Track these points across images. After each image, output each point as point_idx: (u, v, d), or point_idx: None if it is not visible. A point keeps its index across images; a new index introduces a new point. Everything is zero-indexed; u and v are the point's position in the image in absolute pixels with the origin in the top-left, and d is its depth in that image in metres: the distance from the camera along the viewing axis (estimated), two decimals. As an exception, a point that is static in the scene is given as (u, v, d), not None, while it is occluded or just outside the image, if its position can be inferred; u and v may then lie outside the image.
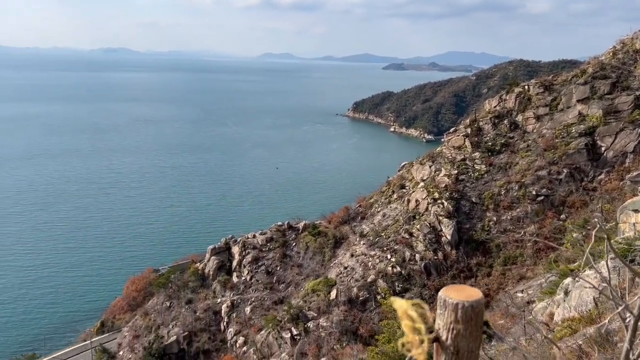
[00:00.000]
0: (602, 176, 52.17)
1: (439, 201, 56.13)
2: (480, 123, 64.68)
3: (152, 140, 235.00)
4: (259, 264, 63.62)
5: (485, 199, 55.22)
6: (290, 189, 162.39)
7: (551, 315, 21.11)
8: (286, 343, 49.94)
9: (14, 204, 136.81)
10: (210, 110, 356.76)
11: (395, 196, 64.90)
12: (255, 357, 51.34)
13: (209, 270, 66.73)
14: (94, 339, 67.14)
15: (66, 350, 66.69)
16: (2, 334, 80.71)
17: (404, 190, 64.42)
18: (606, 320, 8.90)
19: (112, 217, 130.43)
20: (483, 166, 58.85)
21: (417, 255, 53.03)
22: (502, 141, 60.85)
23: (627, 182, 47.98)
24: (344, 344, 46.48)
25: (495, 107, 67.08)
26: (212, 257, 67.48)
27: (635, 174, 47.77)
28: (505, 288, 44.25)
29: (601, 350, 11.30)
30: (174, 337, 59.85)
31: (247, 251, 65.35)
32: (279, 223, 70.19)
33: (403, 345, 2.61)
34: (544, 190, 52.97)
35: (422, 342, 2.59)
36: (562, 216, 50.13)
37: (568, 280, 21.29)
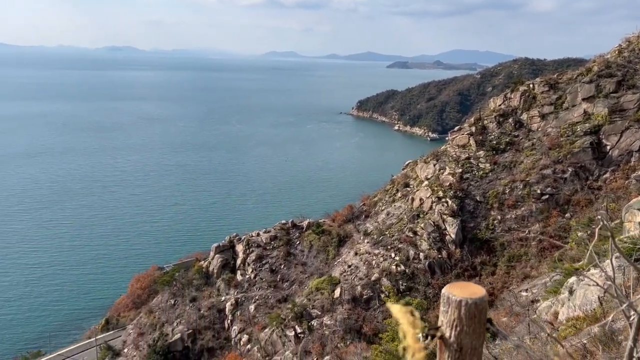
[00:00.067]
0: (607, 175, 51.94)
1: (443, 200, 56.03)
2: (485, 121, 64.49)
3: (156, 139, 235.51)
4: (263, 262, 63.71)
5: (490, 197, 55.07)
6: (294, 187, 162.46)
7: (556, 314, 21.06)
8: (290, 341, 50.01)
9: (18, 202, 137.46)
10: (214, 108, 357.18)
11: (399, 195, 64.83)
12: (259, 355, 51.45)
13: (213, 268, 66.85)
14: (99, 337, 67.46)
15: (71, 348, 67.05)
16: (7, 331, 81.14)
17: (408, 189, 64.33)
18: (609, 318, 8.87)
19: (117, 215, 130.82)
20: (487, 165, 58.68)
21: (421, 253, 52.97)
22: (507, 140, 60.65)
23: (632, 181, 47.79)
24: (348, 342, 46.51)
25: (500, 105, 66.86)
26: (217, 255, 67.60)
27: (640, 172, 47.58)
28: (510, 287, 44.13)
29: (606, 349, 11.26)
30: (179, 335, 60.04)
31: (251, 249, 65.46)
32: (283, 221, 70.23)
33: (404, 349, 2.62)
34: (549, 189, 52.78)
35: (421, 345, 2.61)
36: (567, 215, 49.93)
37: (573, 279, 21.22)
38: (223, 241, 69.90)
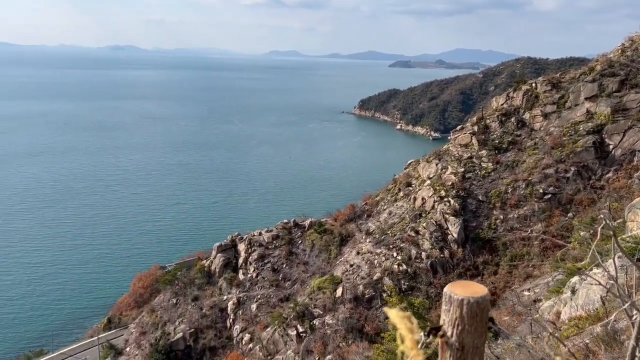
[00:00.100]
0: (610, 174, 51.82)
1: (445, 199, 55.98)
2: (487, 121, 64.40)
3: (158, 138, 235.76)
4: (265, 261, 63.75)
5: (492, 197, 55.00)
6: (296, 186, 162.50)
7: (558, 313, 21.04)
8: (292, 340, 50.04)
9: (21, 201, 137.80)
10: (216, 107, 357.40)
11: (401, 194, 64.79)
12: (261, 354, 51.48)
13: (215, 268, 66.92)
14: (101, 336, 67.56)
15: (73, 347, 67.16)
16: (10, 330, 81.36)
17: (410, 188, 64.29)
18: (612, 317, 8.85)
19: (119, 214, 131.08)
20: (490, 164, 58.61)
21: (423, 253, 52.95)
22: (509, 139, 60.56)
23: (635, 181, 47.68)
24: (350, 342, 46.51)
25: (502, 104, 66.75)
26: (218, 254, 67.66)
27: (643, 172, 47.47)
28: (512, 286, 44.09)
29: (608, 349, 11.24)
30: (180, 334, 60.12)
31: (253, 248, 65.50)
32: (285, 220, 70.24)
33: (403, 353, 2.62)
34: (551, 188, 52.69)
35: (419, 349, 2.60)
36: (570, 214, 49.83)
37: (575, 278, 21.20)
38: (225, 240, 69.95)
